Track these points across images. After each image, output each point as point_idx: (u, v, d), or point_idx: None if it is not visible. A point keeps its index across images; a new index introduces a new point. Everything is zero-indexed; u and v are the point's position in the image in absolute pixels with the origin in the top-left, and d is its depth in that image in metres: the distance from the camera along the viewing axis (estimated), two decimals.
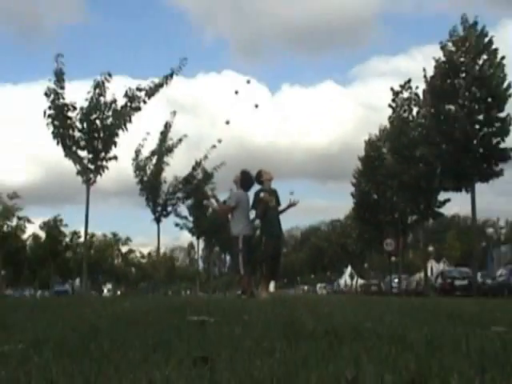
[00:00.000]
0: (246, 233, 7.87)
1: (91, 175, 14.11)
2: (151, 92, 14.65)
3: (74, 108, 13.87)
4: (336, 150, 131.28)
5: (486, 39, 20.12)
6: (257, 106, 10.29)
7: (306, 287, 74.76)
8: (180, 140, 21.04)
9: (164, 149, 20.72)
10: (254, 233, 9.76)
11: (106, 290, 59.50)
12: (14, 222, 37.01)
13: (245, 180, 8.17)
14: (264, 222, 7.79)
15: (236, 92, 9.71)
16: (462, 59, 20.29)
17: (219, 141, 22.36)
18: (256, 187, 8.15)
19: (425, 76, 21.52)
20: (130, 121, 14.47)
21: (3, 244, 35.83)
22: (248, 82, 10.31)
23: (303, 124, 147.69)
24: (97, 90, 14.05)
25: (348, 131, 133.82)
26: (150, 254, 70.59)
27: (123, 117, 14.22)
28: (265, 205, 7.68)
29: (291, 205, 8.11)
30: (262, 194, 7.85)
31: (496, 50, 20.00)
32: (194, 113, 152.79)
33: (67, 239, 47.25)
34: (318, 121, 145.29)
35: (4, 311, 4.43)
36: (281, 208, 8.05)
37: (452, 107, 20.46)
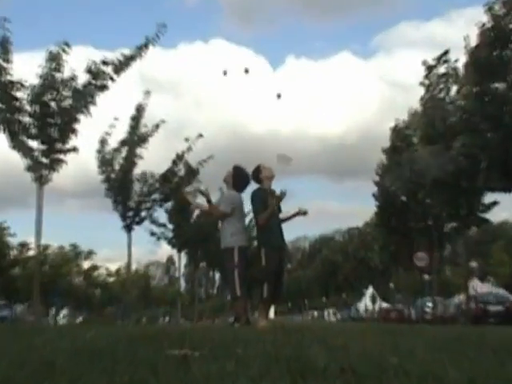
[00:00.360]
0: (241, 243, 7.83)
1: (44, 171, 14.11)
2: (120, 66, 14.68)
3: (23, 86, 13.86)
4: (354, 139, 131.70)
5: None
6: (279, 96, 10.06)
7: (315, 313, 74.83)
8: (157, 126, 21.04)
9: (136, 138, 20.71)
10: (250, 244, 9.74)
11: (61, 316, 59.29)
12: None
13: (238, 178, 8.13)
14: (263, 230, 7.73)
15: (225, 73, 9.63)
16: None
17: (200, 135, 22.48)
18: (251, 188, 8.12)
19: (466, 46, 21.54)
20: (94, 103, 14.49)
21: None
22: (246, 71, 10.05)
23: (312, 107, 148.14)
24: (51, 64, 14.05)
25: (369, 116, 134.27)
26: (118, 271, 70.55)
27: (85, 98, 14.23)
28: (273, 208, 7.61)
29: (298, 213, 8.04)
30: (277, 192, 7.81)
31: None
32: (174, 92, 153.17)
33: (14, 252, 47.18)
34: (330, 102, 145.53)
35: None
36: (283, 216, 8.00)
37: (500, 85, 20.48)
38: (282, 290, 7.98)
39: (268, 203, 7.63)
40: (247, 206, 8.15)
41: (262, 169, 8.01)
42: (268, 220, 7.61)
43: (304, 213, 8.04)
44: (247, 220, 10.00)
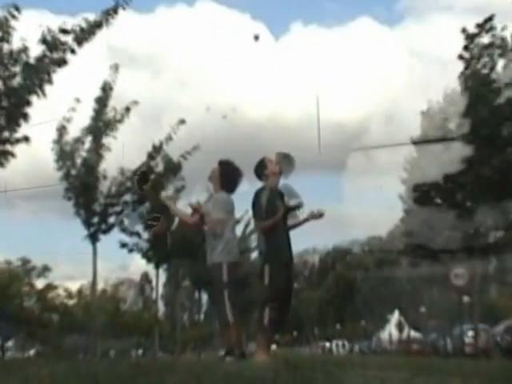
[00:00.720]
0: (232, 259, 7.82)
1: None
2: (83, 36, 14.67)
3: None
4: (374, 126, 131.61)
5: None
6: (257, 38, 10.36)
7: (327, 344, 74.90)
8: (127, 110, 21.03)
9: (102, 125, 20.68)
10: (246, 257, 9.76)
11: (9, 348, 59.23)
12: None
13: (227, 176, 8.10)
14: (268, 240, 7.67)
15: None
16: None
17: (183, 121, 22.57)
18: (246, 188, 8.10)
19: None
20: (50, 81, 14.48)
21: None
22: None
23: (324, 86, 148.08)
24: None
25: (395, 97, 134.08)
26: (80, 291, 70.55)
27: (38, 74, 14.22)
28: (282, 213, 7.58)
29: (311, 217, 8.03)
30: (287, 199, 7.77)
31: None
32: (151, 68, 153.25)
33: None
34: (347, 80, 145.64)
35: None
36: (291, 222, 7.98)
37: None
38: (287, 316, 7.95)
39: (276, 206, 7.56)
40: (239, 211, 8.14)
41: (268, 163, 7.95)
42: (272, 228, 7.57)
43: (319, 216, 8.02)
44: (242, 226, 10.05)
